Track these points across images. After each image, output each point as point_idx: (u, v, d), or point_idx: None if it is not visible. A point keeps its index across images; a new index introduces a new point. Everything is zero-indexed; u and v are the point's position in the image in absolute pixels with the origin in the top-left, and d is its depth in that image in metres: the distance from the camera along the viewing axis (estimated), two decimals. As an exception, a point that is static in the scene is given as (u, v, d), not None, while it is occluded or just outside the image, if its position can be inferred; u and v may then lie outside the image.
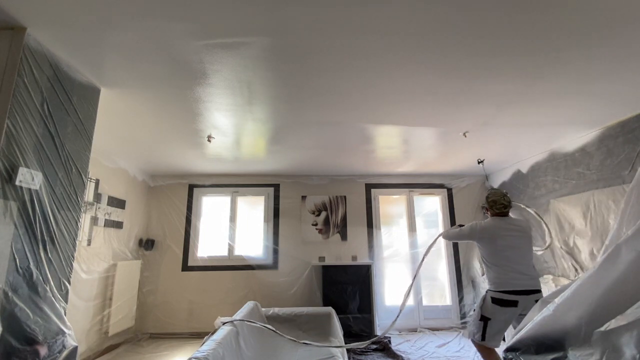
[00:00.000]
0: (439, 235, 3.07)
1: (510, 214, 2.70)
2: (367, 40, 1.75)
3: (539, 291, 2.36)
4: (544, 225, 3.33)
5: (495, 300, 2.37)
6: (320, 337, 3.14)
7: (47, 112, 1.79)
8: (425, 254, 3.20)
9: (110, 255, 3.81)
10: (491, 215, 2.65)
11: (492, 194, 2.66)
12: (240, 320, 2.45)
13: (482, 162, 3.55)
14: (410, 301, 4.62)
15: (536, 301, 2.25)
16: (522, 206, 3.45)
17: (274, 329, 2.49)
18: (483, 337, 2.38)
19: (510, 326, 2.49)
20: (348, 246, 4.73)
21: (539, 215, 3.38)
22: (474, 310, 2.56)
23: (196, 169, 4.48)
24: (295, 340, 2.37)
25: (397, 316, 2.90)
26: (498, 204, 2.59)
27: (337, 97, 2.42)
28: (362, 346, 3.05)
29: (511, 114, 2.72)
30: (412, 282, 3.13)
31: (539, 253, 3.47)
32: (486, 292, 2.48)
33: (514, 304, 2.30)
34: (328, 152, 3.79)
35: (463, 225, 2.86)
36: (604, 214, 3.00)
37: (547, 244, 3.07)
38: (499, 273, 2.41)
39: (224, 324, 2.36)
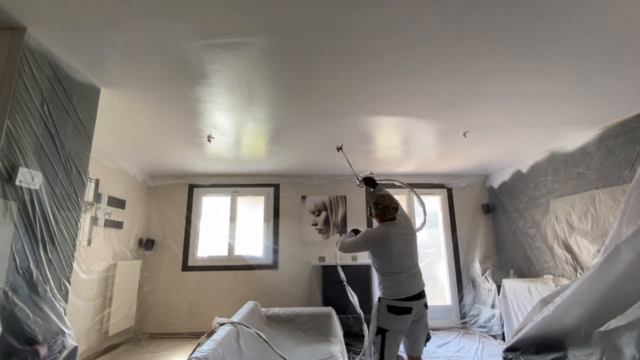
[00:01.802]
0: (337, 249, 2.76)
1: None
2: (367, 41, 1.75)
3: (424, 293, 2.29)
4: (416, 197, 3.07)
5: (391, 309, 2.20)
6: (320, 337, 3.14)
7: (47, 112, 1.79)
8: (338, 267, 3.13)
9: (110, 255, 3.81)
10: (381, 222, 2.40)
11: (381, 200, 2.37)
12: (237, 322, 2.45)
13: (340, 148, 3.11)
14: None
15: (424, 305, 2.24)
16: (398, 184, 3.13)
17: (265, 339, 2.48)
18: (382, 355, 2.17)
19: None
20: (348, 246, 4.72)
21: (415, 193, 3.10)
22: (369, 331, 2.34)
23: (196, 169, 4.48)
24: (282, 357, 2.34)
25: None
26: (390, 209, 2.34)
27: (337, 97, 2.42)
28: None
29: (511, 114, 2.72)
30: (346, 286, 3.09)
31: (422, 226, 3.24)
32: (379, 301, 2.29)
33: (408, 310, 2.18)
34: (328, 152, 3.78)
35: (357, 231, 2.66)
36: (604, 214, 3.00)
37: (422, 222, 2.91)
38: (394, 281, 2.24)
39: (220, 325, 2.36)
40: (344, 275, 3.14)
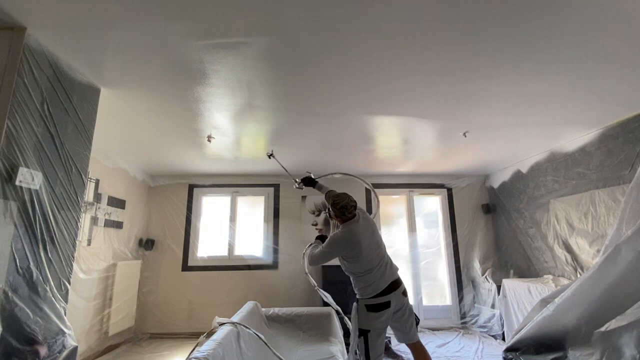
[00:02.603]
0: (305, 260, 2.66)
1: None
2: (367, 41, 1.75)
3: (400, 280, 2.26)
4: (372, 194, 3.06)
5: (370, 307, 2.17)
6: (320, 337, 3.14)
7: (47, 112, 1.79)
8: (309, 277, 3.11)
9: (110, 255, 3.81)
10: (342, 222, 2.34)
11: (338, 199, 2.32)
12: (237, 323, 2.45)
13: (271, 155, 3.01)
14: (411, 301, 4.62)
15: (402, 293, 2.21)
16: (333, 175, 3.09)
17: (264, 340, 2.48)
18: (367, 355, 2.12)
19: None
20: (348, 246, 4.73)
21: (365, 182, 3.08)
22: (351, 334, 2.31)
23: (196, 169, 4.48)
24: (280, 358, 2.34)
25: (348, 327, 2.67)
26: (349, 207, 2.29)
27: (337, 97, 2.42)
28: None
29: (511, 114, 2.72)
30: (317, 289, 3.08)
31: (373, 215, 3.23)
32: (357, 302, 2.26)
33: (387, 305, 2.15)
34: (328, 152, 3.79)
35: (323, 237, 2.56)
36: (604, 214, 3.01)
37: (373, 214, 2.91)
38: (368, 279, 2.20)
39: (220, 325, 2.36)
40: (314, 282, 3.15)
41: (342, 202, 2.31)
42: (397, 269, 2.31)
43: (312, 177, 2.71)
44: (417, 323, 2.32)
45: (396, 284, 2.23)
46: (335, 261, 4.68)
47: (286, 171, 3.13)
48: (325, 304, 4.12)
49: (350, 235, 2.25)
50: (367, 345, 2.14)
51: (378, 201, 3.02)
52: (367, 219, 2.37)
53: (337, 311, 3.17)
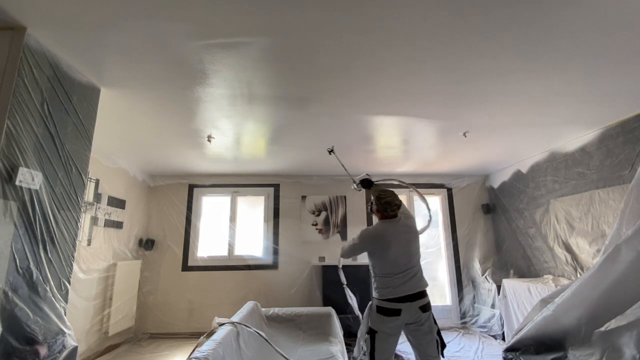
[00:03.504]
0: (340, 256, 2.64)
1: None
2: (367, 41, 1.75)
3: (423, 294, 2.15)
4: (423, 202, 3.00)
5: (380, 310, 2.14)
6: (320, 337, 3.14)
7: (47, 112, 1.79)
8: (340, 270, 3.08)
9: (110, 255, 3.81)
10: (380, 219, 2.30)
11: (384, 194, 2.28)
12: (237, 322, 2.45)
13: (332, 151, 3.01)
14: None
15: (420, 308, 2.08)
16: (389, 181, 3.06)
17: (265, 338, 2.48)
18: (372, 355, 2.10)
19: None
20: (348, 246, 4.73)
21: (417, 192, 3.05)
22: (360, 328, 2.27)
23: (196, 169, 4.48)
24: (284, 356, 2.34)
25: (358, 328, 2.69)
26: (392, 205, 2.24)
27: (336, 97, 2.42)
28: None
29: (511, 114, 2.72)
30: (346, 289, 3.04)
31: (427, 227, 3.22)
32: (372, 301, 2.23)
33: (397, 313, 2.09)
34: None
35: (365, 182, 2.55)
36: (604, 214, 3.01)
37: (427, 222, 2.84)
38: (386, 282, 2.16)
39: (220, 325, 2.36)
40: (344, 278, 3.09)
41: (387, 198, 2.27)
42: (425, 285, 2.20)
43: (371, 179, 2.63)
44: (443, 347, 2.18)
45: (415, 297, 2.12)
46: (334, 261, 4.69)
47: (346, 170, 3.09)
48: (326, 304, 4.13)
49: (382, 233, 2.21)
50: (373, 346, 2.12)
51: (430, 216, 2.98)
52: (409, 226, 2.27)
53: (357, 316, 3.08)
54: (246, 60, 1.93)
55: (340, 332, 3.25)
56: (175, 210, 4.73)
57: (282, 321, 3.39)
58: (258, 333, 2.51)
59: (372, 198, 2.37)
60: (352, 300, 3.03)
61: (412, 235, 2.25)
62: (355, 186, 2.74)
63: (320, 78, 2.14)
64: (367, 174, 2.73)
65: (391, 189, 2.36)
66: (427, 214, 2.88)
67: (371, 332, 2.13)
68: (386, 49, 1.83)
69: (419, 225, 2.47)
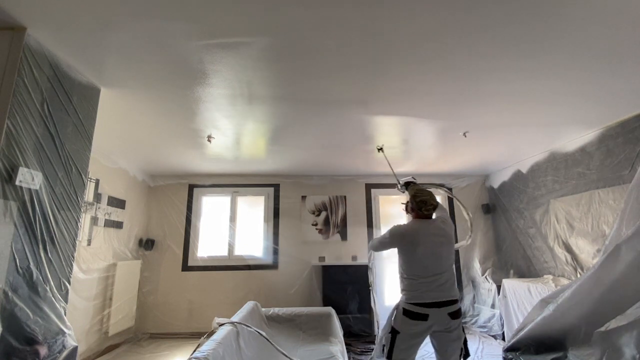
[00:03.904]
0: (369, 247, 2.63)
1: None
2: (367, 41, 1.75)
3: (453, 302, 2.09)
4: (464, 212, 2.97)
5: (406, 312, 2.10)
6: (320, 337, 3.14)
7: (47, 112, 1.79)
8: (370, 268, 3.06)
9: (110, 255, 3.81)
10: (414, 217, 2.28)
11: (420, 193, 2.26)
12: (237, 322, 2.45)
13: (381, 149, 3.05)
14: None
15: (449, 314, 2.02)
16: (435, 186, 3.04)
17: (266, 337, 2.48)
18: (390, 354, 2.07)
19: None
20: (348, 246, 4.73)
21: (455, 198, 3.02)
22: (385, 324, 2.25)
23: (196, 169, 4.48)
24: (285, 355, 2.34)
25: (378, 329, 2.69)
26: (428, 204, 2.21)
27: (337, 97, 2.42)
28: None
29: (511, 114, 2.72)
30: (372, 296, 3.02)
31: (468, 242, 3.21)
32: (399, 302, 2.20)
33: (424, 317, 2.03)
34: (328, 152, 3.79)
35: (408, 184, 2.53)
36: (604, 214, 3.01)
37: (468, 235, 2.80)
38: (413, 285, 2.12)
39: (220, 325, 2.36)
40: (372, 279, 3.04)
41: (423, 197, 2.23)
42: (456, 294, 2.14)
43: (416, 182, 2.59)
44: (466, 357, 2.14)
45: (444, 303, 2.07)
46: (334, 261, 4.69)
47: (392, 170, 3.08)
48: (326, 304, 4.13)
49: (412, 232, 2.18)
50: (393, 345, 2.08)
51: (471, 224, 2.93)
52: (442, 229, 2.21)
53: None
54: (246, 60, 1.93)
55: (340, 332, 3.25)
56: (175, 210, 4.73)
57: (282, 321, 3.38)
58: (259, 333, 2.51)
59: (409, 197, 2.35)
60: (376, 305, 2.99)
61: (444, 239, 2.17)
62: (399, 187, 2.70)
63: (320, 78, 2.14)
64: (412, 177, 2.69)
65: (429, 190, 2.33)
66: (470, 227, 2.81)
67: (393, 332, 2.10)
68: (386, 49, 1.83)
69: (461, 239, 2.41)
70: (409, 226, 2.22)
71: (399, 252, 2.22)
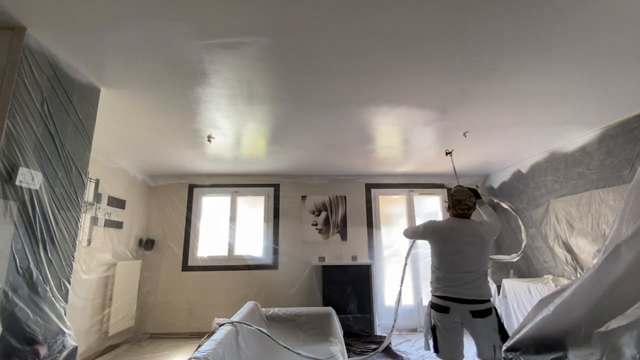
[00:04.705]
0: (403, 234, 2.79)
1: (481, 212, 2.51)
2: (367, 41, 1.75)
3: (479, 301, 2.15)
4: (520, 223, 3.07)
5: (432, 305, 2.24)
6: (320, 337, 3.14)
7: (47, 112, 1.79)
8: (407, 257, 3.11)
9: (110, 255, 3.81)
10: (451, 215, 2.39)
11: (457, 192, 2.38)
12: (237, 322, 2.45)
13: (449, 153, 3.22)
14: (411, 301, 4.62)
15: (470, 312, 2.11)
16: (496, 201, 3.16)
17: (267, 333, 2.48)
18: (436, 348, 2.21)
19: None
20: (348, 246, 4.73)
21: (513, 210, 3.11)
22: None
23: (196, 169, 4.48)
24: (288, 348, 2.35)
25: (393, 327, 2.79)
26: (462, 204, 2.32)
27: (337, 97, 2.42)
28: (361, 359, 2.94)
29: (511, 114, 2.72)
30: (400, 288, 3.05)
31: (515, 260, 3.28)
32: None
33: (445, 310, 2.15)
34: (328, 152, 3.79)
35: (475, 192, 2.61)
36: (604, 214, 3.00)
37: (523, 245, 2.86)
38: (439, 277, 2.24)
39: (220, 325, 2.36)
40: (404, 277, 3.11)
41: (459, 196, 2.35)
42: (483, 295, 2.18)
43: (478, 191, 2.63)
44: (504, 340, 2.23)
45: (465, 301, 2.14)
46: (334, 261, 4.69)
47: (455, 175, 3.13)
48: (326, 304, 4.13)
49: (442, 228, 2.31)
50: (435, 339, 2.23)
51: (525, 246, 2.98)
52: (476, 230, 2.27)
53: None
54: (246, 60, 1.93)
55: (340, 332, 3.25)
56: (175, 210, 4.73)
57: (282, 321, 3.38)
58: (260, 330, 2.51)
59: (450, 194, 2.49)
60: (399, 305, 3.05)
61: (476, 240, 2.23)
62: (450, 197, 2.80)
63: (320, 78, 2.14)
64: (476, 185, 2.76)
65: (468, 191, 2.41)
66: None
67: (433, 327, 2.25)
68: (386, 50, 1.83)
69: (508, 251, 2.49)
70: (442, 223, 2.36)
71: (431, 246, 2.37)
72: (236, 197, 4.89)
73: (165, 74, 2.07)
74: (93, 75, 2.09)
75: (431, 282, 2.30)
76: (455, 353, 2.19)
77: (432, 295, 2.25)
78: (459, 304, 2.13)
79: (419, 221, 4.93)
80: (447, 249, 2.23)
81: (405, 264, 3.07)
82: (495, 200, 3.06)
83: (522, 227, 2.86)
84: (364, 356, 2.89)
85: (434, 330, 2.22)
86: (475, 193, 2.53)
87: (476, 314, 2.13)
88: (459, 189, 2.42)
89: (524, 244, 2.82)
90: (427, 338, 2.31)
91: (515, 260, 2.74)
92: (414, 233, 2.52)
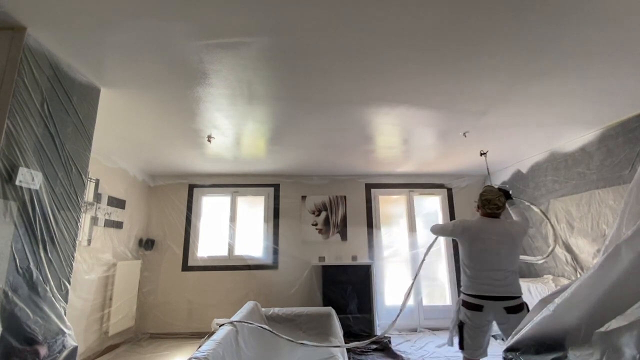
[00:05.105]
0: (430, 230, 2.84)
1: (511, 212, 2.53)
2: (367, 41, 1.75)
3: (511, 298, 2.19)
4: (549, 226, 3.12)
5: (464, 303, 2.28)
6: (320, 337, 3.14)
7: (47, 112, 1.79)
8: (426, 253, 3.15)
9: (110, 255, 3.81)
10: (480, 215, 2.44)
11: (487, 192, 2.43)
12: (236, 321, 2.45)
13: (485, 153, 3.30)
14: (411, 301, 4.62)
15: (505, 308, 2.14)
16: (527, 203, 3.22)
17: (270, 329, 2.49)
18: (461, 345, 2.25)
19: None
20: (348, 246, 4.73)
21: (544, 215, 3.17)
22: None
23: (196, 169, 4.48)
24: (292, 340, 2.36)
25: (398, 316, 2.85)
26: (491, 203, 2.36)
27: (337, 97, 2.42)
28: (361, 346, 2.99)
29: (511, 114, 2.72)
30: (413, 282, 3.08)
31: (540, 262, 3.32)
32: (460, 296, 2.38)
33: (479, 308, 2.18)
34: (328, 152, 3.79)
35: (506, 193, 2.64)
36: (604, 214, 3.00)
37: (550, 248, 2.91)
38: (470, 275, 2.28)
39: (220, 326, 2.36)
40: (419, 272, 3.11)
41: (488, 196, 2.39)
42: (514, 292, 2.21)
43: (509, 192, 2.65)
44: None
45: (499, 298, 2.17)
46: (334, 261, 4.69)
47: (488, 174, 3.14)
48: (326, 304, 4.13)
49: (472, 227, 2.35)
50: (462, 336, 2.26)
51: (552, 250, 3.00)
52: (507, 230, 2.30)
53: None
54: (246, 60, 1.93)
55: (340, 332, 3.25)
56: (175, 210, 4.73)
57: (282, 321, 3.38)
58: (262, 327, 2.51)
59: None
60: (408, 298, 3.05)
61: (507, 239, 2.28)
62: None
63: (320, 78, 2.14)
64: (508, 186, 2.76)
65: (497, 191, 2.44)
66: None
67: (460, 324, 2.28)
68: (386, 50, 1.83)
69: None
70: (473, 222, 2.39)
71: (460, 244, 2.41)
72: (236, 197, 4.89)
73: (165, 74, 2.07)
74: (93, 75, 2.09)
75: (463, 280, 2.35)
76: (481, 349, 2.25)
77: (464, 293, 2.29)
78: (492, 301, 2.17)
79: (419, 221, 4.94)
80: (478, 247, 2.27)
81: (423, 259, 3.11)
82: (527, 203, 3.09)
83: (552, 232, 2.89)
84: (366, 341, 2.93)
85: (461, 327, 2.26)
86: (506, 194, 2.56)
87: (510, 310, 2.16)
88: (488, 189, 2.46)
89: (550, 249, 2.86)
90: (452, 334, 2.35)
91: (540, 262, 2.77)
92: (444, 231, 2.57)
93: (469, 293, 2.26)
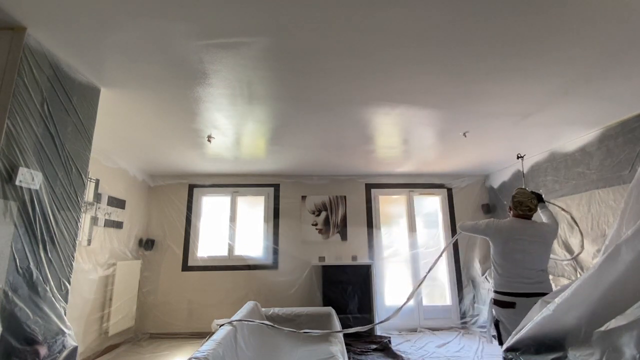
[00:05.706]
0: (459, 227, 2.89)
1: (541, 214, 2.57)
2: (368, 41, 1.75)
3: (544, 294, 2.17)
4: (578, 230, 3.16)
5: (495, 302, 2.34)
6: (320, 337, 3.14)
7: (47, 112, 1.79)
8: (446, 247, 3.18)
9: (111, 255, 3.81)
10: (512, 216, 2.50)
11: (519, 194, 2.49)
12: (236, 320, 2.45)
13: (522, 157, 3.37)
14: (410, 301, 4.62)
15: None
16: (558, 207, 3.24)
17: (271, 324, 2.49)
18: (500, 341, 2.30)
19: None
20: (348, 246, 4.73)
21: (574, 220, 3.21)
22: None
23: (196, 169, 4.48)
24: (294, 331, 2.38)
25: (404, 303, 2.85)
26: (523, 205, 2.43)
27: (337, 97, 2.42)
28: (364, 330, 2.99)
29: (511, 114, 2.72)
30: (428, 272, 3.09)
31: (565, 263, 3.34)
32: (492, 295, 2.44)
33: (511, 305, 2.24)
34: (328, 152, 3.79)
35: (538, 196, 2.67)
36: (604, 214, 3.00)
37: (575, 252, 2.95)
38: (502, 274, 2.34)
39: (220, 326, 2.36)
40: (434, 266, 3.13)
41: (520, 197, 2.45)
42: (546, 289, 2.26)
43: (542, 195, 2.68)
44: None
45: (531, 295, 2.20)
46: (334, 261, 4.69)
47: (523, 177, 3.34)
48: (326, 304, 4.13)
49: (505, 228, 2.40)
50: (499, 334, 2.30)
51: (578, 253, 3.05)
52: (537, 231, 2.37)
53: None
54: (246, 60, 1.93)
55: (340, 332, 3.25)
56: (175, 210, 4.73)
57: (282, 321, 3.39)
58: (264, 323, 2.51)
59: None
60: (417, 289, 3.10)
61: (539, 240, 2.35)
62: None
63: (320, 78, 2.14)
64: (541, 191, 2.82)
65: (530, 193, 2.50)
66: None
67: (496, 323, 2.33)
68: (387, 50, 1.83)
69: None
70: (506, 223, 2.44)
71: (492, 244, 2.46)
72: (236, 197, 4.89)
73: (165, 74, 2.07)
74: (93, 75, 2.09)
75: (495, 278, 2.39)
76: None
77: (495, 292, 2.34)
78: (525, 298, 2.20)
79: (419, 221, 4.94)
80: (511, 247, 2.32)
81: (440, 255, 3.15)
82: (558, 207, 3.16)
83: (581, 235, 2.96)
84: (367, 326, 2.97)
85: (497, 324, 2.31)
86: (538, 197, 2.60)
87: None
88: (521, 191, 2.51)
89: (577, 253, 2.91)
90: (490, 333, 2.43)
91: (565, 262, 2.83)
92: (475, 229, 2.59)
93: (501, 291, 2.30)
